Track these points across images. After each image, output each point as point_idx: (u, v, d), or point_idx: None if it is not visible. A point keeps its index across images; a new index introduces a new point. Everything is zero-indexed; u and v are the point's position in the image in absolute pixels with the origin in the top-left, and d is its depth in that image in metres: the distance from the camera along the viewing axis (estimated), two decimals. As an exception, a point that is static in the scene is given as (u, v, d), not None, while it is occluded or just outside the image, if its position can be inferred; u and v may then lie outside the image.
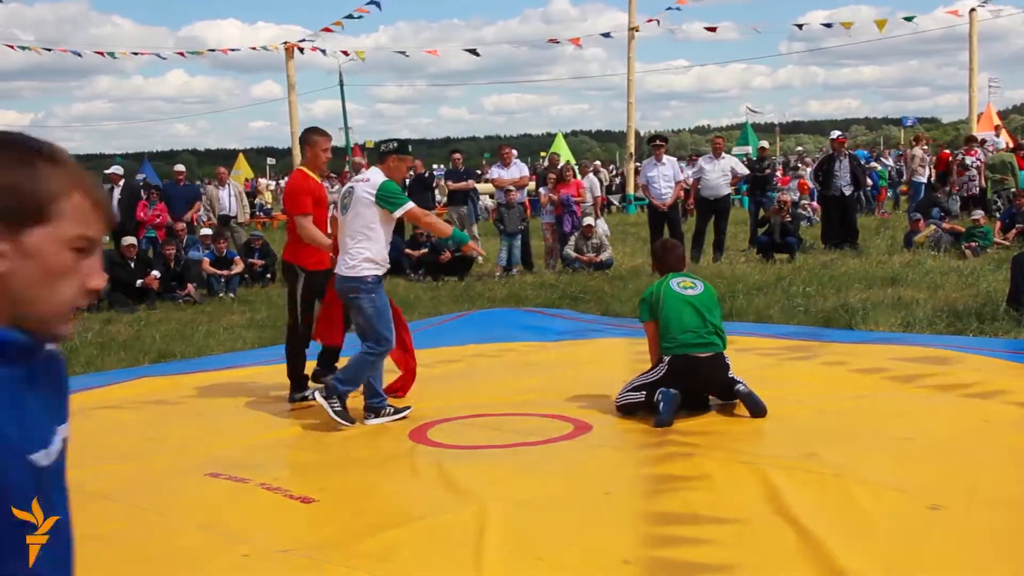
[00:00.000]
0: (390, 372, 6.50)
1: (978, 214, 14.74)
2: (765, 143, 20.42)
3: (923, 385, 6.30)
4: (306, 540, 3.96)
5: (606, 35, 27.71)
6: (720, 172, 14.02)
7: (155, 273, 12.59)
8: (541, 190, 14.63)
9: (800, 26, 26.29)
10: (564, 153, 30.22)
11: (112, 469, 5.12)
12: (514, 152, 15.43)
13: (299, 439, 5.95)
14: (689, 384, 5.76)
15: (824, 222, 15.79)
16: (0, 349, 1.34)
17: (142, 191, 16.71)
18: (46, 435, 1.47)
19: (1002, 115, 44.78)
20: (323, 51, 23.96)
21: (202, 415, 6.42)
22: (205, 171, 48.47)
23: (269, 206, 31.02)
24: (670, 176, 13.52)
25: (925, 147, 21.11)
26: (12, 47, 25.51)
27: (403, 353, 6.55)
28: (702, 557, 3.63)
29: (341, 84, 27.58)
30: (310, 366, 6.87)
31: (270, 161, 46.44)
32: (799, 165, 29.04)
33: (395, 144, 6.10)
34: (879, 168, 24.97)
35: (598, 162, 34.56)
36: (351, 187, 6.04)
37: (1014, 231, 14.12)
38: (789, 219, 14.26)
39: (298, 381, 6.71)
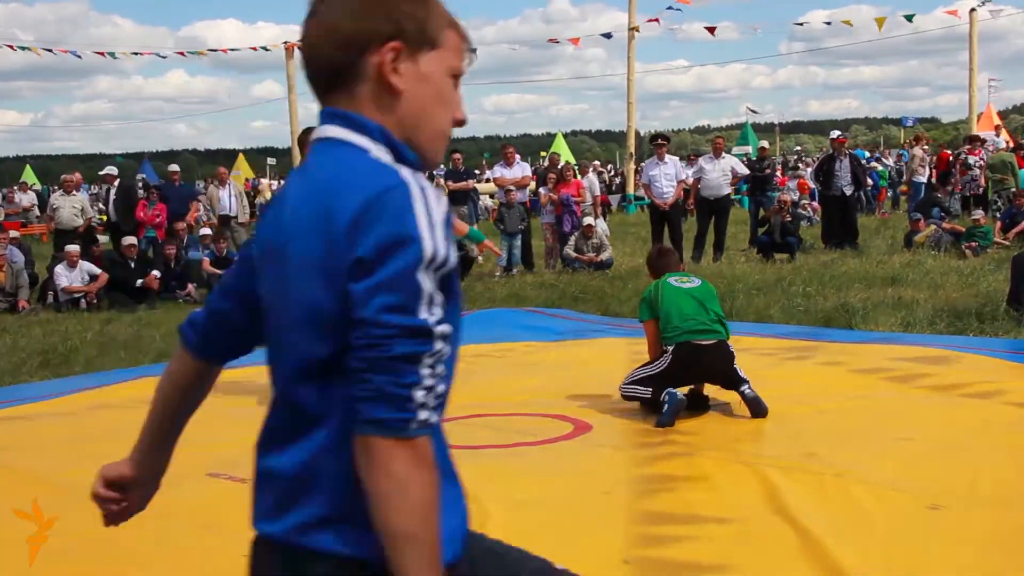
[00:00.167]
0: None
1: (978, 214, 14.75)
2: (765, 143, 20.43)
3: (923, 385, 6.30)
4: (306, 540, 3.96)
5: (606, 35, 27.72)
6: (720, 172, 14.02)
7: (155, 273, 12.60)
8: (541, 190, 14.64)
9: (800, 24, 26.26)
10: (564, 153, 30.23)
11: (112, 469, 5.11)
12: (517, 156, 15.46)
13: (299, 439, 5.96)
14: (694, 373, 5.73)
15: (824, 222, 15.80)
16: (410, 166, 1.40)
17: (142, 191, 16.74)
18: None
19: (1002, 115, 44.77)
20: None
21: (202, 415, 6.38)
22: (205, 171, 48.48)
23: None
24: (672, 175, 13.52)
25: (925, 147, 21.11)
26: (12, 47, 25.50)
27: None
28: (702, 557, 3.63)
29: (341, 84, 27.59)
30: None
31: (270, 161, 46.38)
32: (799, 165, 29.06)
33: None
34: (879, 168, 24.98)
35: (597, 162, 34.59)
36: None
37: (1014, 231, 14.12)
38: (789, 219, 14.27)
39: None
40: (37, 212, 25.05)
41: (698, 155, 19.97)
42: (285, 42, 23.78)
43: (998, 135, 27.48)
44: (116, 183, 15.69)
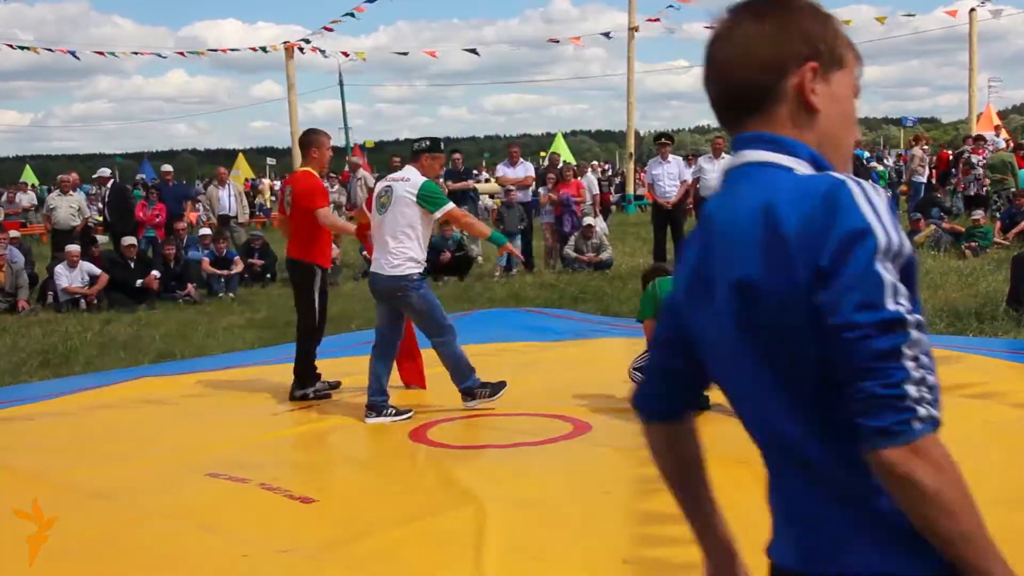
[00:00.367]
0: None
1: (978, 214, 14.75)
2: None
3: (923, 385, 6.30)
4: (306, 540, 3.96)
5: (606, 35, 27.72)
6: (720, 172, 14.00)
7: (155, 273, 12.60)
8: (541, 190, 14.63)
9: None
10: (564, 153, 30.23)
11: (112, 469, 5.12)
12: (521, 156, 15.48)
13: (299, 439, 5.96)
14: None
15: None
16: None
17: (141, 191, 16.77)
18: None
19: (1002, 115, 44.79)
20: (323, 52, 23.95)
21: (202, 415, 6.41)
22: (205, 171, 48.45)
23: (269, 206, 31.03)
24: (675, 175, 13.52)
25: (925, 147, 21.11)
26: (12, 47, 25.50)
27: (411, 361, 6.64)
28: (701, 557, 3.62)
29: (341, 84, 27.62)
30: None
31: (270, 161, 46.40)
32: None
33: (428, 142, 6.14)
34: (879, 168, 24.98)
35: (596, 162, 34.60)
36: (388, 186, 6.04)
37: (1014, 231, 14.11)
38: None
39: (304, 378, 6.70)
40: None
41: (697, 155, 19.96)
42: (285, 42, 23.76)
43: (998, 135, 27.48)
44: (109, 184, 15.72)
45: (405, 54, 26.89)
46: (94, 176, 16.01)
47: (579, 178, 14.87)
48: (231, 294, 12.97)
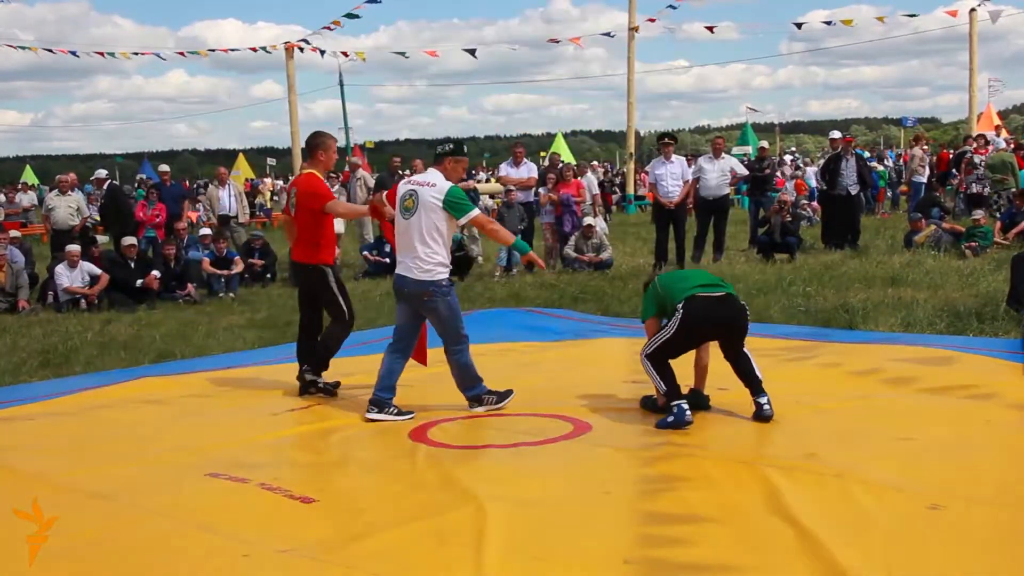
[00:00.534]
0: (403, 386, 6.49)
1: (978, 214, 14.75)
2: (765, 143, 20.42)
3: (923, 385, 6.30)
4: (306, 540, 3.96)
5: (607, 35, 27.72)
6: (720, 172, 14.01)
7: (155, 273, 12.60)
8: (541, 190, 14.62)
9: (799, 25, 26.29)
10: (564, 153, 30.25)
11: (112, 469, 5.12)
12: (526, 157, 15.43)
13: (299, 439, 5.96)
14: (709, 324, 5.64)
15: (824, 222, 15.80)
16: None
17: (143, 189, 16.80)
18: None
19: (1002, 115, 44.75)
20: (322, 51, 23.93)
21: (202, 415, 6.41)
22: (205, 171, 48.37)
23: (269, 206, 31.02)
24: (678, 175, 13.51)
25: (925, 147, 21.10)
26: (12, 47, 25.51)
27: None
28: (702, 557, 3.63)
29: (341, 84, 27.61)
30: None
31: (270, 161, 46.42)
32: (800, 165, 29.04)
33: (451, 146, 6.15)
34: (880, 168, 24.97)
35: (595, 162, 34.58)
36: (413, 190, 6.04)
37: (1014, 231, 14.11)
38: (789, 219, 14.27)
39: (322, 364, 6.78)
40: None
41: (697, 155, 19.96)
42: (285, 42, 23.75)
43: (998, 135, 27.48)
44: (105, 186, 15.72)
45: (405, 54, 26.86)
46: (92, 177, 16.04)
47: (579, 178, 14.87)
48: (231, 294, 12.98)
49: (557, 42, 28.58)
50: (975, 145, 19.28)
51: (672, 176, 13.47)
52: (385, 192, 6.71)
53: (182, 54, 26.17)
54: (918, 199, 18.89)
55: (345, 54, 25.91)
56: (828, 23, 25.84)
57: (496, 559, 3.64)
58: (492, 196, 20.89)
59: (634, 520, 4.05)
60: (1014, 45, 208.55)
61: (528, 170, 14.83)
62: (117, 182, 32.07)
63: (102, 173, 17.47)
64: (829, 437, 5.21)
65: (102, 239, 17.21)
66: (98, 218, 18.13)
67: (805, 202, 20.42)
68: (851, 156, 15.20)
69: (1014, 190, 16.16)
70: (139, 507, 4.48)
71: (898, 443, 5.05)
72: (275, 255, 14.71)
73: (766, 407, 5.57)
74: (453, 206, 5.91)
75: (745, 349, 5.72)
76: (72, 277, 12.29)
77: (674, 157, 13.72)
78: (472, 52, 25.84)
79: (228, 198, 15.59)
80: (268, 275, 14.23)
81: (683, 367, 5.78)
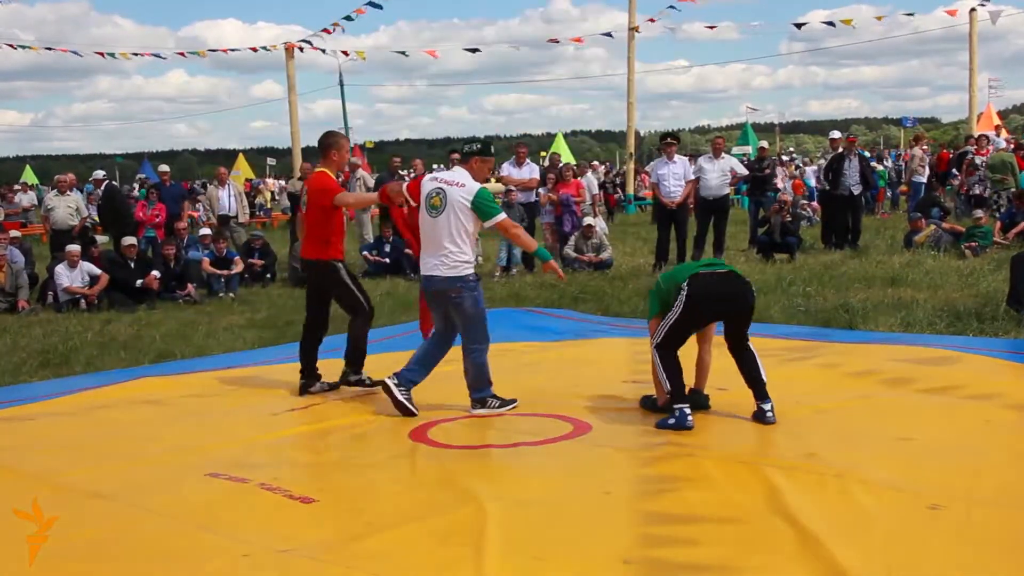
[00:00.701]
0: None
1: (979, 214, 14.75)
2: (765, 143, 20.42)
3: (923, 385, 6.30)
4: (306, 540, 3.96)
5: (607, 34, 27.73)
6: (720, 172, 14.00)
7: (155, 273, 12.59)
8: (540, 190, 14.62)
9: (800, 25, 26.29)
10: (564, 153, 30.25)
11: (112, 469, 5.12)
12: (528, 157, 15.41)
13: (299, 439, 5.96)
14: (715, 301, 5.59)
15: (824, 222, 15.80)
16: None
17: (141, 190, 16.82)
18: None
19: (1002, 115, 44.79)
20: (323, 51, 23.96)
21: (202, 415, 6.41)
22: (205, 171, 48.38)
23: (269, 206, 31.03)
24: (680, 175, 13.50)
25: (925, 147, 21.09)
26: (12, 47, 25.51)
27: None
28: (702, 557, 3.63)
29: (341, 84, 27.67)
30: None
31: (270, 161, 46.42)
32: (800, 165, 29.06)
33: (478, 146, 6.17)
34: (880, 168, 24.97)
35: (596, 162, 34.55)
36: (440, 188, 6.05)
37: (1014, 231, 14.11)
38: (789, 219, 14.27)
39: (358, 363, 6.81)
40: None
41: (697, 155, 19.96)
42: (285, 42, 23.77)
43: (998, 135, 27.49)
44: (103, 186, 15.73)
45: (405, 54, 26.87)
46: (90, 179, 16.09)
47: (579, 178, 14.86)
48: (231, 294, 12.97)
49: (557, 42, 28.66)
50: (976, 146, 19.28)
51: (675, 176, 13.47)
52: (405, 184, 6.72)
53: (182, 54, 26.24)
54: (918, 199, 18.89)
55: (345, 53, 25.96)
56: (828, 23, 25.84)
57: (496, 559, 3.64)
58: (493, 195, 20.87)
59: (634, 520, 4.05)
60: (1014, 45, 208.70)
61: (530, 171, 14.79)
62: (117, 182, 32.12)
63: (100, 174, 17.50)
64: (829, 437, 5.21)
65: (102, 239, 17.21)
66: (97, 218, 18.15)
67: (804, 202, 20.43)
68: (854, 156, 15.20)
69: (1014, 190, 16.16)
70: (139, 507, 4.48)
71: (898, 443, 5.05)
72: (275, 255, 14.71)
73: (768, 414, 5.54)
74: (480, 208, 5.96)
75: (751, 346, 5.69)
76: (72, 277, 12.29)
77: (677, 157, 13.71)
78: (475, 51, 25.87)
79: (228, 198, 15.60)
80: (268, 275, 14.22)
81: (684, 367, 5.77)
